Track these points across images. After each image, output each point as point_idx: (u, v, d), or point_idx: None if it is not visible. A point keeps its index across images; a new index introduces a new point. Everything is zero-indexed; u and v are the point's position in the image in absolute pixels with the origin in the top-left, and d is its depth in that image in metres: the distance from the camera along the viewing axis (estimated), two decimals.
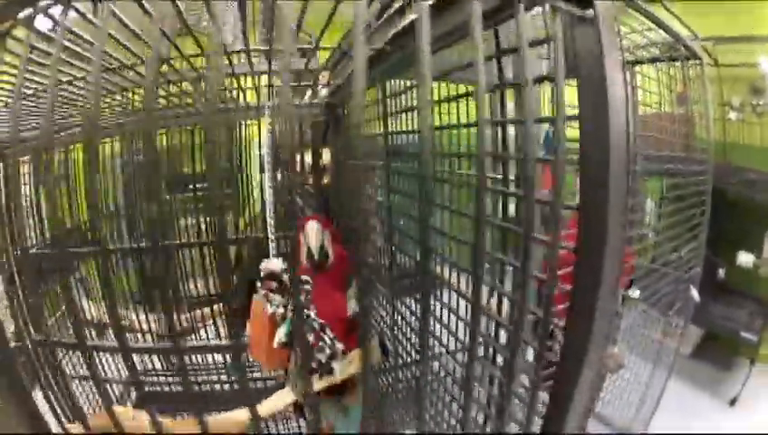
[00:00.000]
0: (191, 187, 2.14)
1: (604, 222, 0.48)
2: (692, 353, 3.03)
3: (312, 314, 1.15)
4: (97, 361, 1.95)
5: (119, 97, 1.62)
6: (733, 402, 2.79)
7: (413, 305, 1.20)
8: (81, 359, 1.99)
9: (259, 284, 1.21)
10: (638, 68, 1.62)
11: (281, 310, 1.15)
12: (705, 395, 2.85)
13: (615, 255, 0.49)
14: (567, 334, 0.54)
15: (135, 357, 2.08)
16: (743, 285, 2.99)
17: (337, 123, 1.62)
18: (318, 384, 1.12)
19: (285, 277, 1.16)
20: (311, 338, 1.13)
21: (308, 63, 1.21)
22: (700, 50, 1.68)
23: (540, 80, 0.57)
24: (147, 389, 1.97)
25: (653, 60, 1.53)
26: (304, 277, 1.17)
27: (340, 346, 1.15)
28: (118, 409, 1.37)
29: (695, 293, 1.58)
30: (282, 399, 1.22)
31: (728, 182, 2.59)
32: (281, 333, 1.14)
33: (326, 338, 1.14)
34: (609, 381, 1.52)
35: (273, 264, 1.20)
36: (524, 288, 0.56)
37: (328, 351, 1.13)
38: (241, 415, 1.17)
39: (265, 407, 1.20)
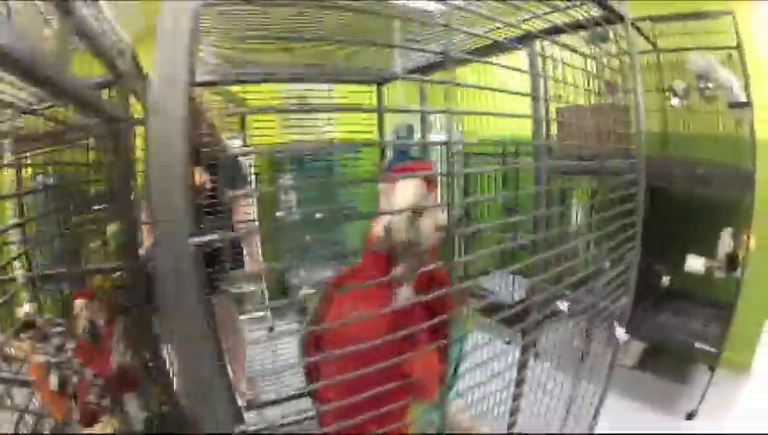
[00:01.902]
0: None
1: None
2: (637, 365, 2.75)
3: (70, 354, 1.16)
4: None
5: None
6: (690, 416, 2.53)
7: None
8: None
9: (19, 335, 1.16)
10: (555, 49, 1.27)
11: (48, 357, 1.13)
12: (656, 410, 2.58)
13: None
14: None
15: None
16: (694, 291, 2.72)
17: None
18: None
19: (39, 321, 1.17)
20: (75, 380, 1.15)
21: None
22: (626, 12, 1.36)
23: None
24: None
25: (558, 29, 1.17)
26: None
27: (88, 372, 1.17)
28: None
29: (620, 332, 1.30)
30: None
31: (671, 178, 2.29)
32: (54, 381, 1.14)
33: (86, 374, 1.16)
34: (535, 398, 1.29)
35: (29, 308, 1.22)
36: None
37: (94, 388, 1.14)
38: None
39: None
